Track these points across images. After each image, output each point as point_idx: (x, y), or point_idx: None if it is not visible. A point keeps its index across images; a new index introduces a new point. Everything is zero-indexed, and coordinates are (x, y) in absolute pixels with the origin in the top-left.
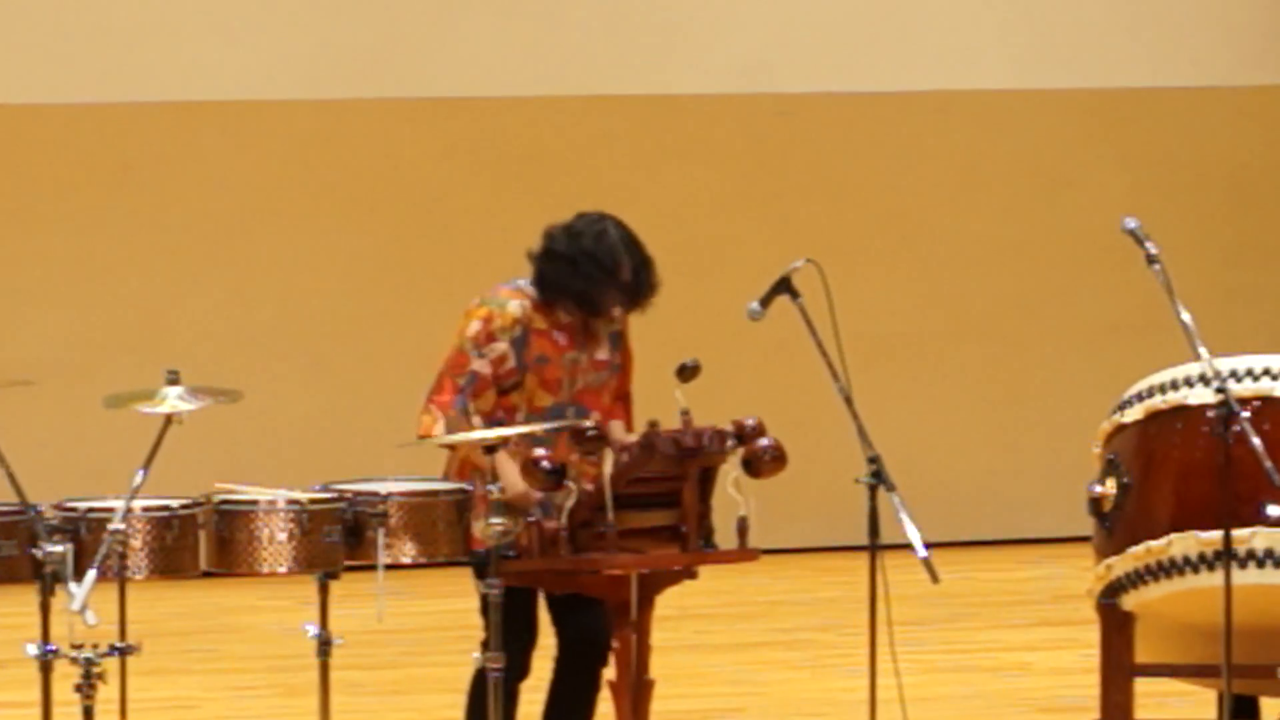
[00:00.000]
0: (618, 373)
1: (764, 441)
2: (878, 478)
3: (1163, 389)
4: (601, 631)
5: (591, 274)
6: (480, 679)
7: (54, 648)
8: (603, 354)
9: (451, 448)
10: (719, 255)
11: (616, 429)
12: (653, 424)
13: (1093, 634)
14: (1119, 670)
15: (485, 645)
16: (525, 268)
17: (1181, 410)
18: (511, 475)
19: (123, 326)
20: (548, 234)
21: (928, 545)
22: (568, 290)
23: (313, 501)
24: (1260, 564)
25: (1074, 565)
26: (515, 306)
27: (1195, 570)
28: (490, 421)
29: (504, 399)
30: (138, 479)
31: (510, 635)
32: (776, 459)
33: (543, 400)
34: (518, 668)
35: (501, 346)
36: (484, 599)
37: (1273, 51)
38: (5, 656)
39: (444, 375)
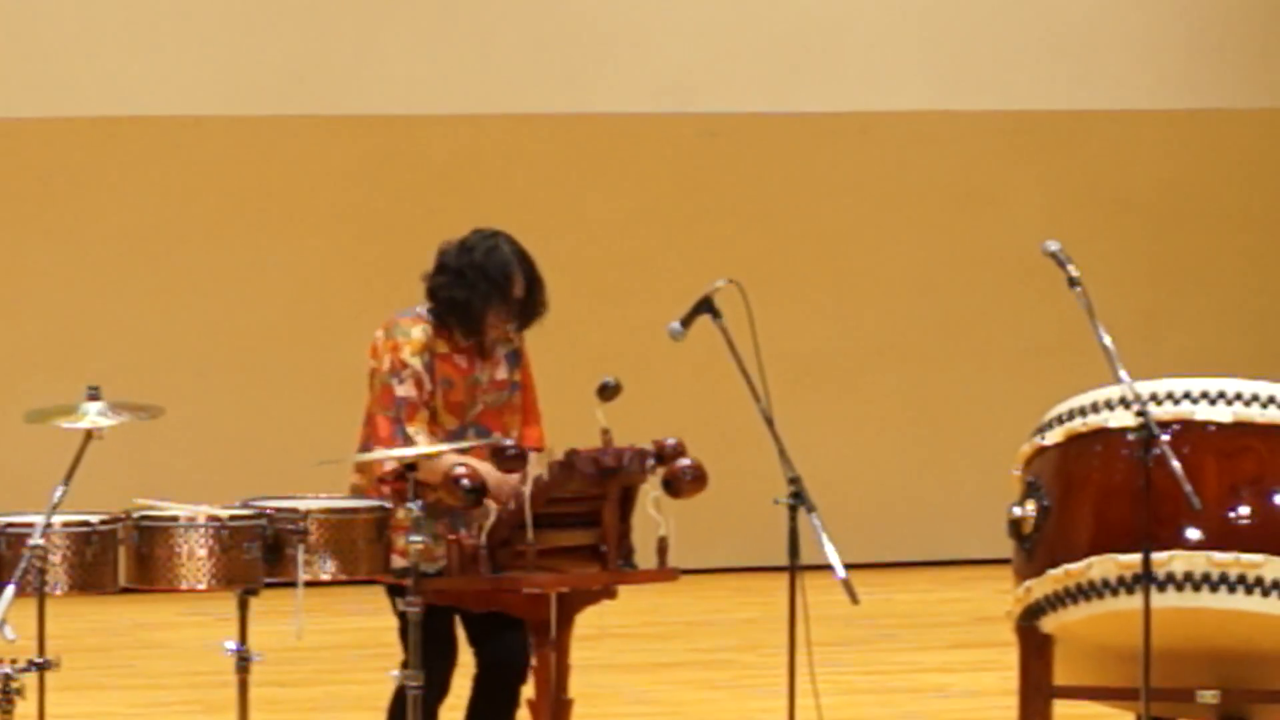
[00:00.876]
0: (517, 391)
1: (684, 461)
2: (798, 498)
3: (1083, 411)
4: (520, 651)
5: (478, 286)
6: (399, 697)
7: None
8: (501, 373)
9: (375, 469)
10: (641, 274)
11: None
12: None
13: (1012, 656)
14: (1038, 693)
15: (404, 664)
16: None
17: (1102, 433)
18: (490, 471)
19: (43, 341)
20: (441, 250)
21: (847, 566)
22: (453, 302)
23: (233, 518)
24: (1179, 587)
25: (993, 587)
26: (419, 332)
27: (1114, 593)
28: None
29: None
30: (57, 494)
31: (430, 654)
32: (697, 479)
33: (448, 423)
34: (437, 687)
35: (417, 367)
36: (403, 617)
37: (1192, 75)
38: None
39: (375, 415)
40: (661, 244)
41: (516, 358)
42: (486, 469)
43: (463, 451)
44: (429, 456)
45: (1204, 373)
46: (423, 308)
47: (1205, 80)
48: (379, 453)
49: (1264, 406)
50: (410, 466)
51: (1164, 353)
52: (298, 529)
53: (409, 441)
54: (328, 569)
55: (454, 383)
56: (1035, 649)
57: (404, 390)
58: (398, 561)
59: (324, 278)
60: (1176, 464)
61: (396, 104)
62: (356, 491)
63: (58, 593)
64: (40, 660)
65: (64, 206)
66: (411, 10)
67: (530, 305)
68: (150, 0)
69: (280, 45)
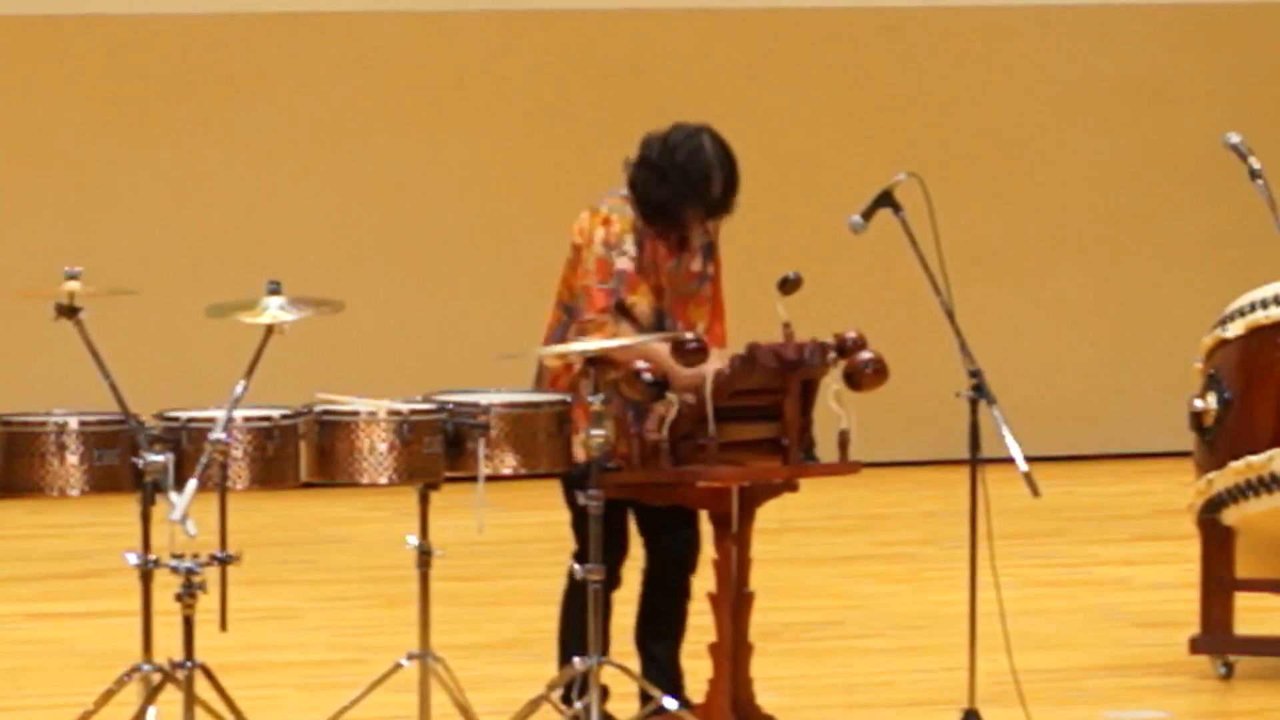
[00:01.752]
0: (707, 284)
1: (865, 355)
2: (979, 391)
3: (1265, 304)
4: (690, 545)
5: (678, 187)
6: (573, 589)
7: (155, 557)
8: (696, 265)
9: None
10: (821, 169)
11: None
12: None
13: (1193, 549)
14: (1219, 585)
15: (577, 557)
16: (621, 181)
17: None
18: (674, 366)
19: (225, 237)
20: (644, 142)
21: (1028, 459)
22: (651, 198)
23: (414, 412)
24: None
25: (1175, 480)
26: (629, 211)
27: None
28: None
29: None
30: (239, 389)
31: (605, 547)
32: (878, 372)
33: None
34: (611, 578)
35: (630, 247)
36: (582, 511)
37: None
38: (107, 565)
39: (591, 289)
40: (841, 138)
41: (710, 250)
42: (669, 362)
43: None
44: (614, 349)
45: None
46: (626, 190)
47: None
48: (560, 347)
49: None
50: (593, 361)
51: None
52: (479, 423)
53: (625, 312)
54: (509, 463)
55: (658, 267)
56: (1217, 541)
57: (623, 263)
58: (579, 455)
59: (505, 173)
60: None
61: None
62: (545, 373)
63: (239, 488)
64: (222, 555)
65: (245, 102)
66: None
67: (722, 204)
68: None
69: None
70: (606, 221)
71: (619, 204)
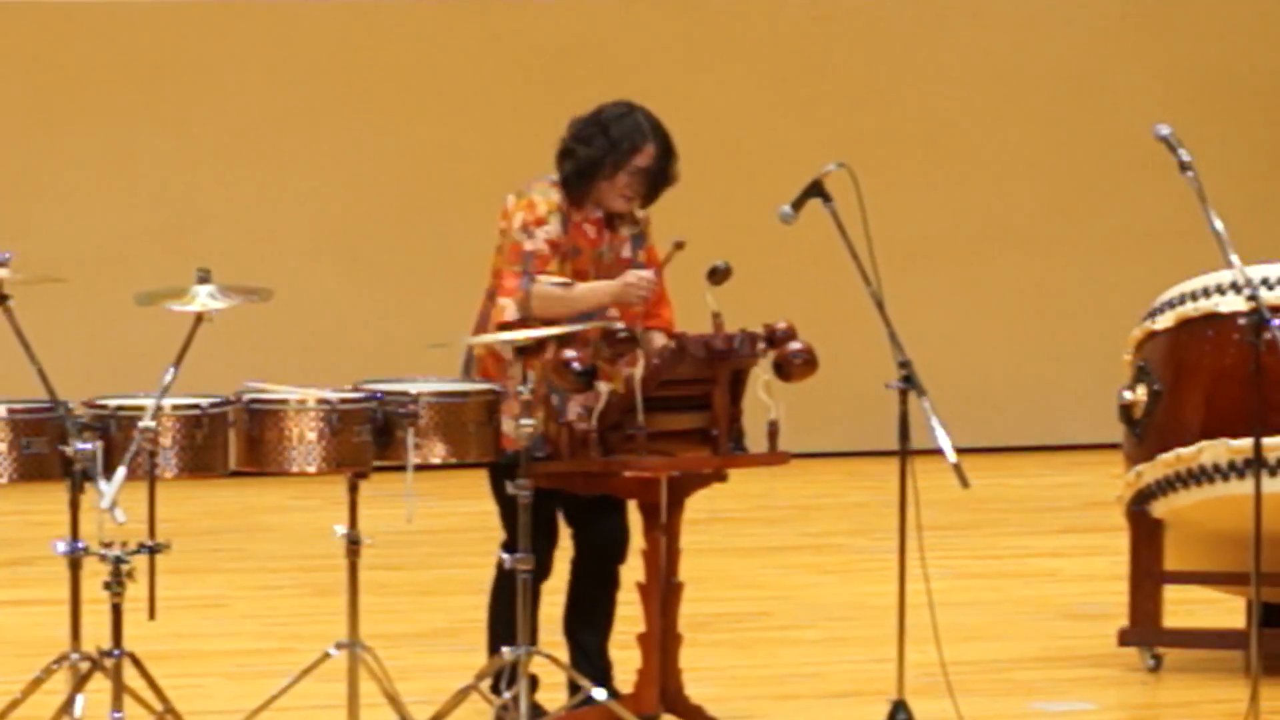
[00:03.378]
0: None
1: (795, 345)
2: (908, 382)
3: (1194, 296)
4: (619, 533)
5: (598, 145)
6: (502, 579)
7: (83, 545)
8: (625, 252)
9: (495, 309)
10: (751, 158)
11: (655, 338)
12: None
13: (1122, 541)
14: (1148, 577)
15: (506, 547)
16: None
17: (1213, 318)
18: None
19: (154, 224)
20: (571, 121)
21: (958, 450)
22: (570, 158)
23: (343, 401)
24: None
25: (1104, 472)
26: (555, 194)
27: (1225, 478)
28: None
29: None
30: (168, 377)
31: (534, 537)
32: (807, 363)
33: None
34: (540, 568)
35: (552, 228)
36: (511, 501)
37: None
38: (35, 554)
39: (501, 270)
40: (772, 128)
41: (641, 240)
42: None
43: (573, 334)
44: (539, 340)
45: None
46: (555, 176)
47: None
48: (489, 336)
49: None
50: (522, 349)
51: (1276, 237)
52: (408, 412)
53: (536, 284)
54: (438, 452)
55: (581, 250)
56: (1146, 534)
57: (532, 245)
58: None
59: (435, 161)
60: None
61: None
62: (475, 362)
63: (168, 476)
64: (151, 543)
65: (177, 89)
66: None
67: (660, 175)
68: None
69: None
70: (530, 205)
71: (545, 187)
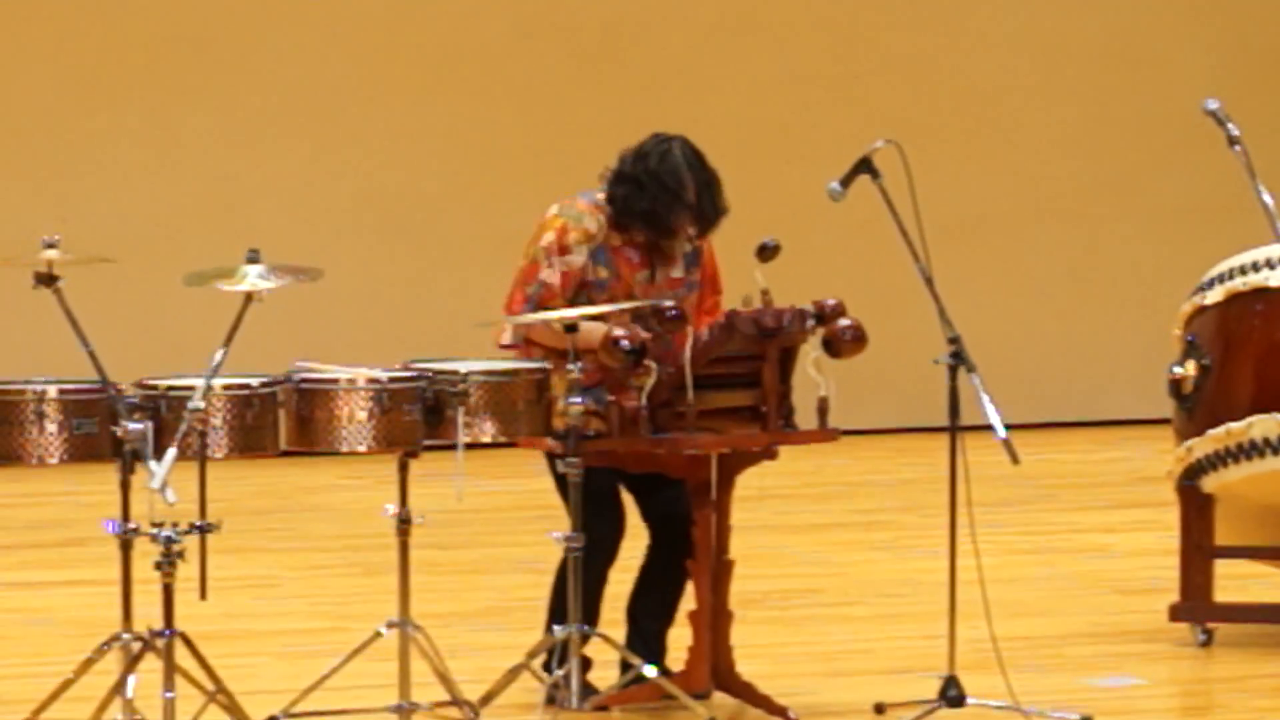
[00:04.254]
0: (694, 291)
1: (844, 322)
2: (958, 358)
3: (1243, 270)
4: (683, 503)
5: (657, 194)
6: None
7: (134, 525)
8: (677, 272)
9: (527, 338)
10: (799, 135)
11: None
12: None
13: (1173, 516)
14: (1199, 552)
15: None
16: (605, 152)
17: (1262, 292)
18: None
19: (203, 204)
20: (619, 157)
21: (1008, 426)
22: (635, 211)
23: (393, 380)
24: None
25: (1154, 447)
26: (591, 222)
27: (1275, 452)
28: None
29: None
30: (218, 357)
31: (592, 516)
32: (857, 339)
33: None
34: (604, 550)
35: (578, 260)
36: (563, 479)
37: None
38: (86, 534)
39: (515, 285)
40: (820, 104)
41: (695, 256)
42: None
43: (623, 313)
44: (589, 318)
45: None
46: (603, 196)
47: None
48: (538, 315)
49: None
50: (570, 329)
51: None
52: (458, 391)
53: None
54: (487, 431)
55: (623, 276)
56: (1196, 509)
57: (548, 274)
58: (558, 423)
59: (483, 142)
60: None
61: None
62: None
63: (218, 456)
64: (201, 523)
65: (223, 70)
66: None
67: (707, 210)
68: None
69: None
70: (563, 229)
71: (584, 211)
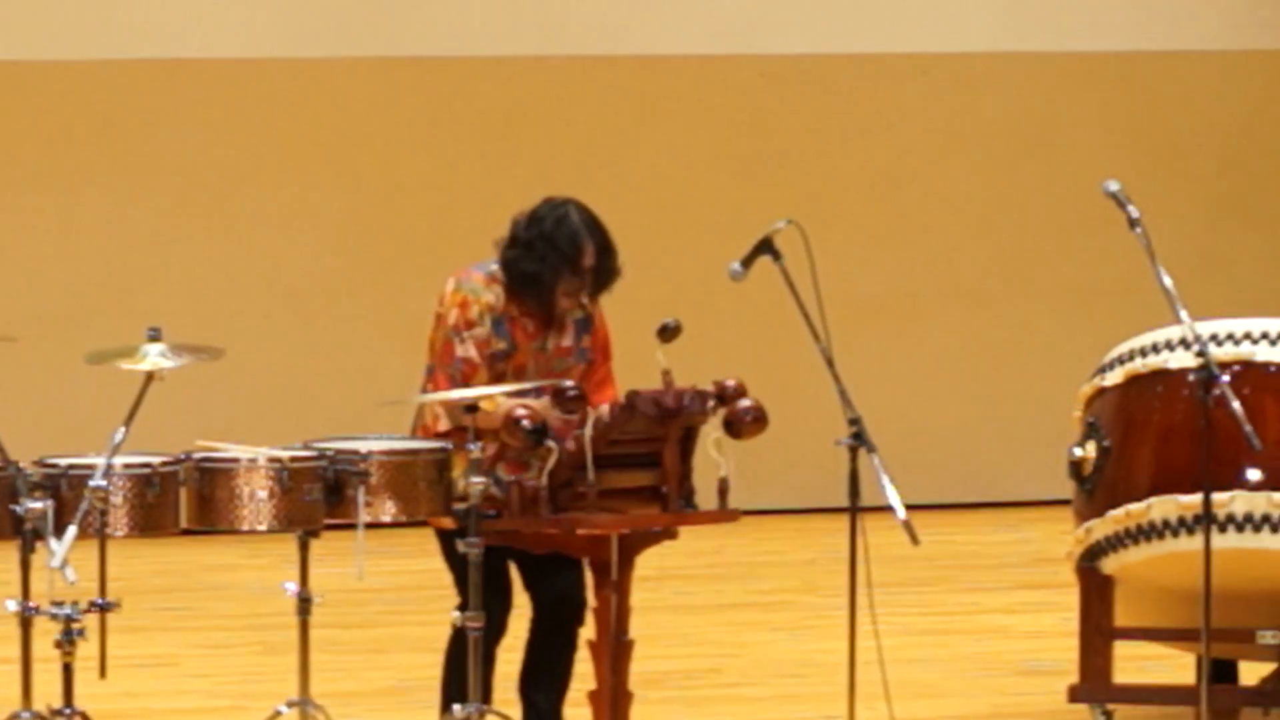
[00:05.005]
0: (584, 360)
1: (745, 402)
2: (858, 439)
3: (1143, 352)
4: (576, 590)
5: (548, 258)
6: (458, 639)
7: (34, 604)
8: (567, 340)
9: (430, 415)
10: (701, 216)
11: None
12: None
13: (1072, 597)
14: (1098, 634)
15: (462, 607)
16: (502, 226)
17: (1162, 374)
18: (550, 412)
19: (105, 283)
20: (513, 221)
21: (908, 507)
22: (524, 275)
23: (293, 459)
24: (1239, 528)
25: (1053, 529)
26: (489, 294)
27: (1175, 534)
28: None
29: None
30: (119, 436)
31: (486, 595)
32: (758, 420)
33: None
34: (494, 628)
35: (483, 332)
36: (463, 558)
37: (1256, 16)
38: None
39: (436, 369)
40: (721, 186)
41: (587, 324)
42: (546, 410)
43: (522, 393)
44: (488, 398)
45: (1264, 314)
46: (497, 267)
47: (1267, 20)
48: (440, 394)
49: None
50: (470, 409)
51: (1224, 294)
52: (358, 470)
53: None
54: (388, 510)
55: (519, 346)
56: (1096, 590)
57: (464, 350)
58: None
59: (383, 220)
60: (1237, 405)
61: (456, 46)
62: (419, 425)
63: (119, 534)
64: (102, 601)
65: (124, 148)
66: None
67: (602, 272)
68: None
69: None
70: (464, 304)
71: (481, 282)
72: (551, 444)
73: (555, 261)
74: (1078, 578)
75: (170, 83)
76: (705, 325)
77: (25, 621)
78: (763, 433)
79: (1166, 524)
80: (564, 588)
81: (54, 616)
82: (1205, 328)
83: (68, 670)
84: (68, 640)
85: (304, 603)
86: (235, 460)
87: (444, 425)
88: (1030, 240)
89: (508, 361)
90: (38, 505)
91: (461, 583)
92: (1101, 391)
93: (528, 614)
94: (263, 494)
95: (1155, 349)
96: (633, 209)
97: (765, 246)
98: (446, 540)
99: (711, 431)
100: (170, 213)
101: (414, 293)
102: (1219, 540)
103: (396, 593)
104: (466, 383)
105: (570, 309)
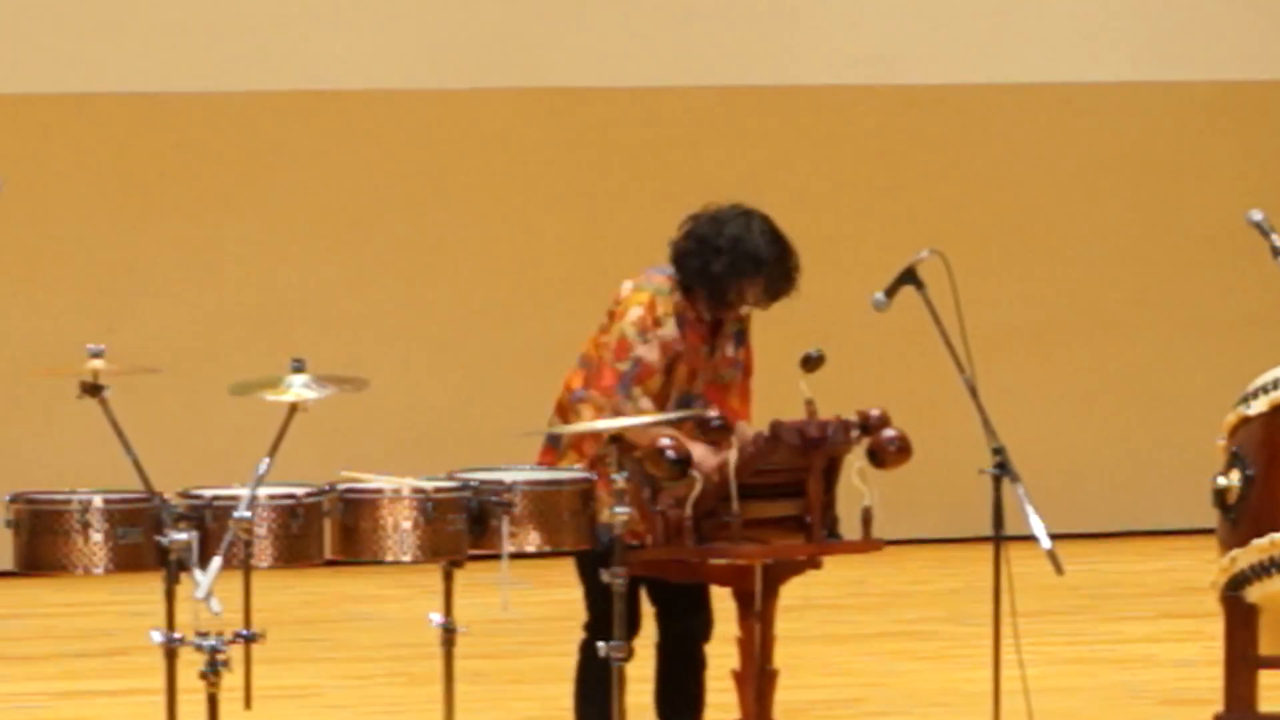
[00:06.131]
0: (740, 372)
1: (889, 432)
2: (1002, 469)
3: None
4: (703, 620)
5: (734, 261)
6: (588, 666)
7: (179, 635)
8: (730, 350)
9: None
10: (844, 246)
11: (741, 426)
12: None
13: (1216, 626)
14: (1243, 662)
15: (590, 631)
16: (651, 259)
17: None
18: (699, 451)
19: (248, 314)
20: (691, 218)
21: (1052, 537)
22: (705, 276)
23: (438, 490)
24: None
25: (1198, 557)
26: (673, 295)
27: None
28: (659, 406)
29: None
30: (263, 467)
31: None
32: (901, 450)
33: (675, 390)
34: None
35: (669, 332)
36: (600, 586)
37: None
38: (131, 644)
39: (604, 363)
40: (864, 216)
41: (741, 337)
42: (693, 444)
43: (669, 424)
44: (634, 428)
45: None
46: (672, 270)
47: None
48: (583, 425)
49: None
50: (615, 439)
51: None
52: (503, 501)
53: (631, 402)
54: (532, 540)
55: (692, 348)
56: (1240, 619)
57: (644, 351)
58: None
59: (524, 250)
60: None
61: (599, 76)
62: (563, 439)
63: (263, 566)
64: (246, 633)
65: (268, 179)
66: None
67: (782, 278)
68: None
69: (481, 17)
70: (651, 304)
71: (664, 284)
72: (695, 474)
73: (741, 264)
74: (1222, 606)
75: (315, 114)
76: (849, 355)
77: (170, 653)
78: (907, 462)
79: None
80: (691, 617)
81: (199, 648)
82: None
83: (213, 701)
84: (212, 671)
85: (448, 633)
86: (379, 491)
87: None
88: (1173, 269)
89: (678, 366)
90: (182, 537)
91: (598, 609)
92: (1245, 420)
93: (653, 639)
94: (407, 525)
95: None
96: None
97: (908, 276)
98: (584, 564)
99: (855, 461)
100: (314, 244)
101: (555, 323)
102: None
103: (540, 623)
104: (638, 384)
105: (743, 314)
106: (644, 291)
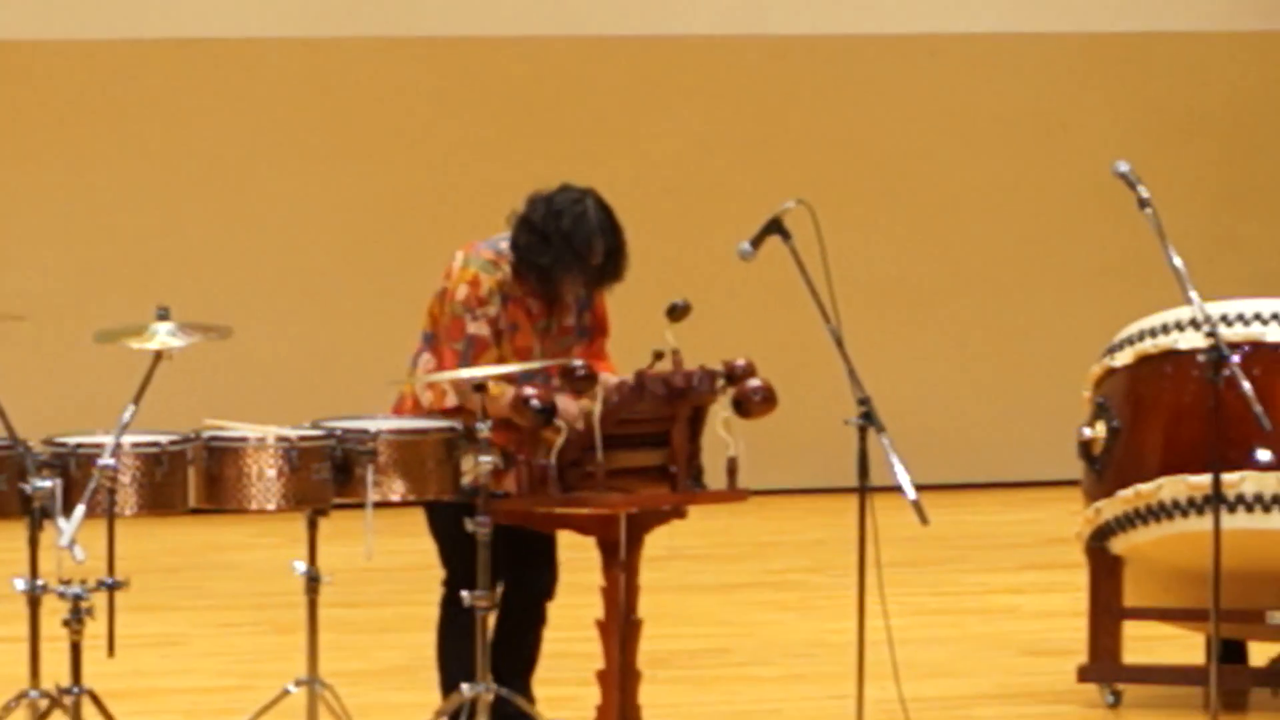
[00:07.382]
0: (585, 337)
1: (754, 382)
2: (868, 419)
3: (1153, 333)
4: (548, 573)
5: (561, 254)
6: (452, 616)
7: (42, 583)
8: (569, 319)
9: (435, 389)
10: (710, 196)
11: (605, 376)
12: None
13: (1081, 577)
14: (1107, 613)
15: (450, 584)
16: (510, 208)
17: (1171, 354)
18: (564, 401)
19: (114, 262)
20: (530, 201)
21: (917, 487)
22: (534, 266)
23: (302, 438)
24: (1249, 508)
25: (1063, 509)
26: (498, 272)
27: (1184, 514)
28: None
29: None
30: (127, 415)
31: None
32: (767, 400)
33: (516, 361)
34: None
35: (493, 310)
36: (458, 537)
37: None
38: None
39: (442, 345)
40: (731, 166)
41: (587, 300)
42: (557, 395)
43: (533, 373)
44: (497, 379)
45: (1275, 294)
46: (506, 243)
47: (1277, 1)
48: (449, 374)
49: None
50: (478, 388)
51: (1234, 274)
52: (367, 449)
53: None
54: (397, 489)
55: (520, 327)
56: (1105, 570)
57: (475, 328)
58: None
59: (392, 200)
60: (1247, 385)
61: (469, 26)
62: (402, 399)
63: (127, 513)
64: (110, 580)
65: (134, 128)
66: None
67: (608, 272)
68: None
69: None
70: (475, 281)
71: (490, 261)
72: (560, 423)
73: (567, 258)
74: (1087, 558)
75: (181, 63)
76: (714, 305)
77: (34, 600)
78: (772, 412)
79: (1176, 504)
80: (538, 569)
81: (62, 595)
82: (1215, 308)
83: (76, 649)
84: (76, 619)
85: (312, 582)
86: (244, 439)
87: (451, 401)
88: (1040, 220)
89: (511, 340)
90: (46, 484)
91: (456, 560)
92: (1111, 372)
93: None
94: (271, 473)
95: (1165, 329)
96: (642, 189)
97: (775, 226)
98: (437, 517)
99: (720, 411)
100: (179, 193)
101: (420, 273)
102: (1228, 520)
103: (404, 572)
104: (476, 360)
105: (570, 293)
106: (469, 268)
